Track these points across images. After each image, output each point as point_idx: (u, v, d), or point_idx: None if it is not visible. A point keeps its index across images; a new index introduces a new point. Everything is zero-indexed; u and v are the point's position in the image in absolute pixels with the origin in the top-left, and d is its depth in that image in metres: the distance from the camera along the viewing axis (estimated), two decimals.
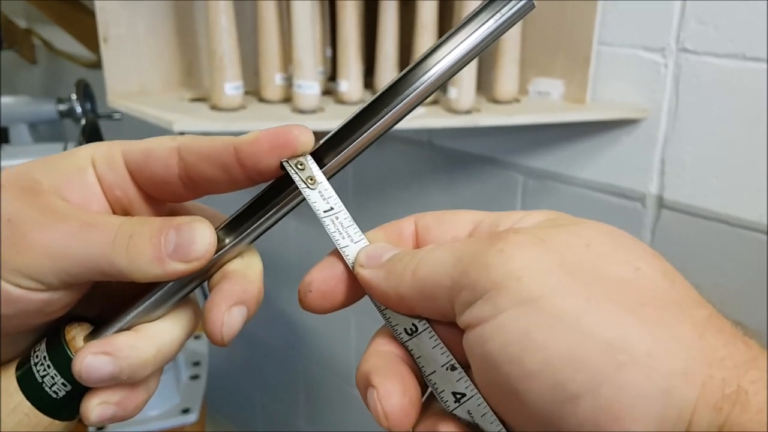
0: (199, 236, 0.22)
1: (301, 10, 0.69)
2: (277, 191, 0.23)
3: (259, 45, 0.73)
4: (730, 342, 0.18)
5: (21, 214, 0.21)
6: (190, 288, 0.23)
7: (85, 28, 1.21)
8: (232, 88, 0.71)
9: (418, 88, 0.23)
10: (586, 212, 0.80)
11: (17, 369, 0.23)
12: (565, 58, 0.73)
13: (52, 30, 1.52)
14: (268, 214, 0.23)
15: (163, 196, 0.24)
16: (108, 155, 0.23)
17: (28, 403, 0.22)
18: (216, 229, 0.23)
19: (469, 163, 0.92)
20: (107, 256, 0.21)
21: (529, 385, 0.19)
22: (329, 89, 0.82)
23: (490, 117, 0.71)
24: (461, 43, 0.22)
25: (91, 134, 0.82)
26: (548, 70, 0.75)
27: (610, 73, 0.73)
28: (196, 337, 1.13)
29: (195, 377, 1.00)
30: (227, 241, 0.23)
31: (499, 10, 0.22)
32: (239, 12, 0.72)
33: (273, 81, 0.75)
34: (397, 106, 0.23)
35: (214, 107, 0.73)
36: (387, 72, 0.79)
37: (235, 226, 0.23)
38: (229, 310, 0.22)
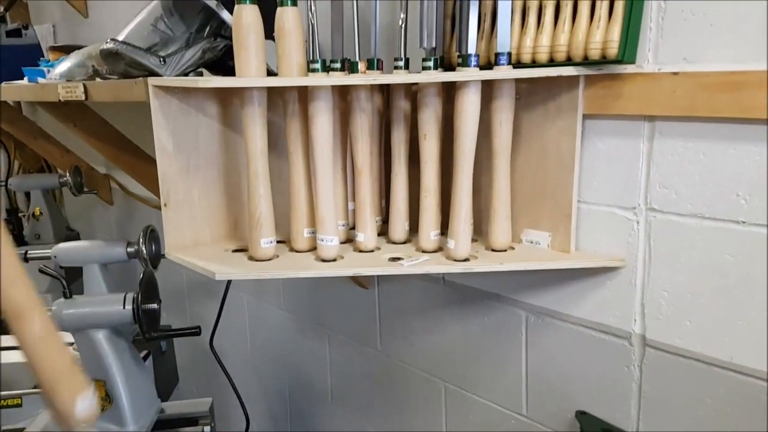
0: None
1: (324, 181, 0.84)
2: None
3: (291, 207, 0.88)
4: None
5: None
6: None
7: (153, 178, 1.42)
8: (266, 243, 0.86)
9: None
10: (582, 348, 0.88)
11: None
12: (549, 214, 0.85)
13: (126, 176, 1.76)
14: None
15: None
16: None
17: None
18: None
19: (479, 298, 1.02)
20: None
21: None
22: (351, 237, 0.95)
23: (485, 264, 0.81)
24: None
25: (147, 286, 0.97)
26: (536, 223, 0.87)
27: (590, 226, 0.83)
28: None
29: None
30: None
31: None
32: (275, 175, 0.87)
33: (302, 235, 0.89)
34: None
35: (251, 258, 0.87)
36: (399, 223, 0.92)
37: None
38: None
